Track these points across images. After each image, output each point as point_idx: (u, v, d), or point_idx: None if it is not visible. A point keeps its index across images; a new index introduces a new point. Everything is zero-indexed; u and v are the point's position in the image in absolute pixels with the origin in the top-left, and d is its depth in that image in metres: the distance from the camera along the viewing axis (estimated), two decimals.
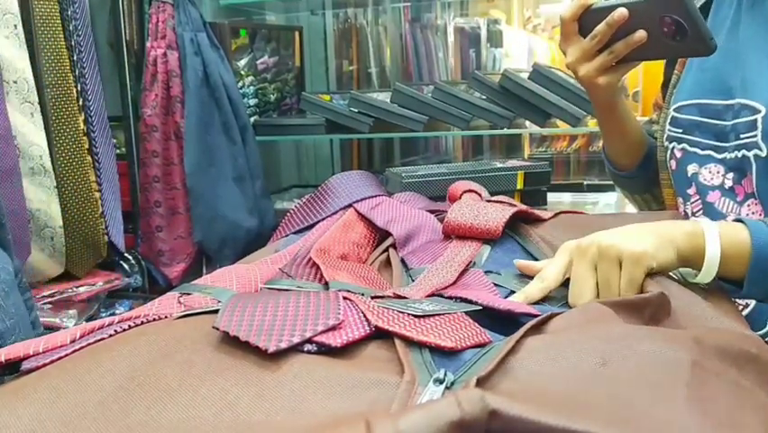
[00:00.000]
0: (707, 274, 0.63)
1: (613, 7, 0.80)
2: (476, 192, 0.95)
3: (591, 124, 1.68)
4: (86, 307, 1.56)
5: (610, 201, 1.82)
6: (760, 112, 0.81)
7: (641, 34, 0.80)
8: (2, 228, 1.02)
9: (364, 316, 0.47)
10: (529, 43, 3.07)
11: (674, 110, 0.94)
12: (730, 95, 0.86)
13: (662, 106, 1.04)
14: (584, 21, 0.85)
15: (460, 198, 0.95)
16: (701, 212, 0.91)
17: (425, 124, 1.71)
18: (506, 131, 1.69)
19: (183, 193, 1.74)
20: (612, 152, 1.05)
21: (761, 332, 0.84)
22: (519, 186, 1.34)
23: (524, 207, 0.85)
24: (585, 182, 1.99)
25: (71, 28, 1.58)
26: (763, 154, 0.81)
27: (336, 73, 2.40)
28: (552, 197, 1.71)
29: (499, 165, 1.37)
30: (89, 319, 1.56)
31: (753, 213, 0.85)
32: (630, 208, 1.22)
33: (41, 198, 1.48)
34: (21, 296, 0.92)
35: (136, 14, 1.72)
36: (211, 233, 1.74)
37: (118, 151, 1.77)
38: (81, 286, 1.56)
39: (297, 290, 0.57)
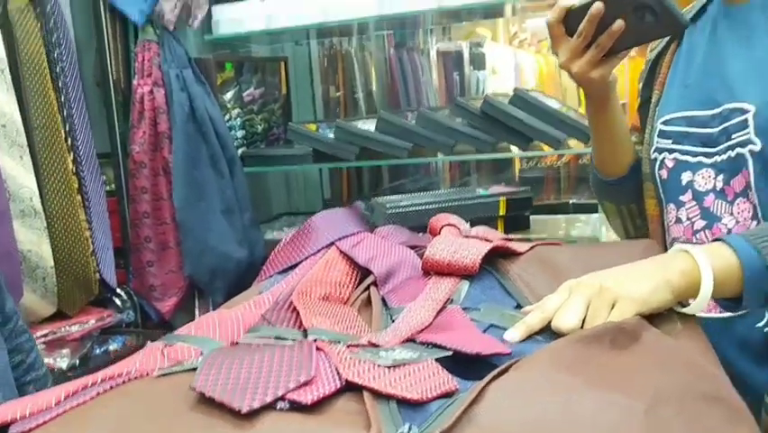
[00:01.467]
0: (697, 307, 0.67)
1: (590, 3, 0.87)
2: (455, 226, 0.97)
3: (573, 146, 1.71)
4: (79, 345, 1.57)
5: (586, 233, 1.84)
6: (749, 111, 0.87)
7: (619, 23, 0.86)
8: None
9: (336, 370, 0.49)
10: (516, 59, 3.11)
11: (661, 123, 1.00)
12: (716, 104, 0.92)
13: (638, 128, 1.09)
14: (568, 22, 0.91)
15: (440, 231, 0.97)
16: (698, 216, 0.96)
17: (411, 151, 1.74)
18: (489, 156, 1.72)
19: (173, 228, 1.75)
20: (602, 157, 1.10)
21: (760, 324, 0.88)
22: (502, 212, 1.37)
23: (500, 242, 0.87)
24: (571, 201, 2.02)
25: (58, 70, 1.60)
26: (758, 148, 0.86)
27: (323, 100, 2.44)
28: (536, 220, 1.74)
29: (482, 192, 1.40)
30: (83, 358, 1.57)
31: (741, 211, 0.90)
32: (611, 234, 1.24)
33: (32, 240, 1.50)
34: (4, 349, 0.90)
35: (122, 53, 1.74)
36: (201, 266, 1.76)
37: (108, 187, 1.79)
38: (74, 325, 1.57)
39: (274, 344, 0.59)
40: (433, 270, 0.84)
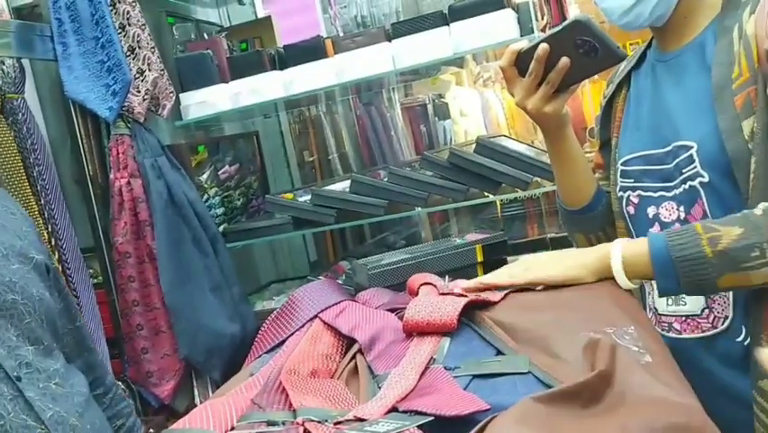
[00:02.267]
0: (619, 280, 0.90)
1: (537, 45, 0.95)
2: (432, 284, 1.01)
3: (543, 184, 1.76)
4: None
5: None
6: (693, 147, 0.95)
7: (564, 61, 0.94)
8: (91, 353, 1.12)
9: None
10: (483, 98, 3.20)
11: (621, 164, 1.08)
12: (667, 142, 1.00)
13: (602, 166, 1.16)
14: (520, 64, 1.00)
15: (417, 291, 1.01)
16: None
17: (387, 208, 1.79)
18: (462, 203, 1.77)
19: (164, 312, 1.77)
20: (565, 188, 1.16)
21: (739, 339, 0.95)
22: (480, 258, 1.41)
23: (473, 296, 0.91)
24: (549, 236, 2.07)
25: (35, 174, 1.65)
26: (706, 180, 0.94)
27: (298, 166, 2.49)
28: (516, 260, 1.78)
29: (458, 242, 1.44)
30: None
31: None
32: None
33: None
34: (100, 411, 1.01)
35: (96, 149, 1.79)
36: (196, 346, 1.77)
37: (95, 280, 1.81)
38: None
39: (265, 431, 0.61)
40: (413, 331, 0.88)
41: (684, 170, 0.96)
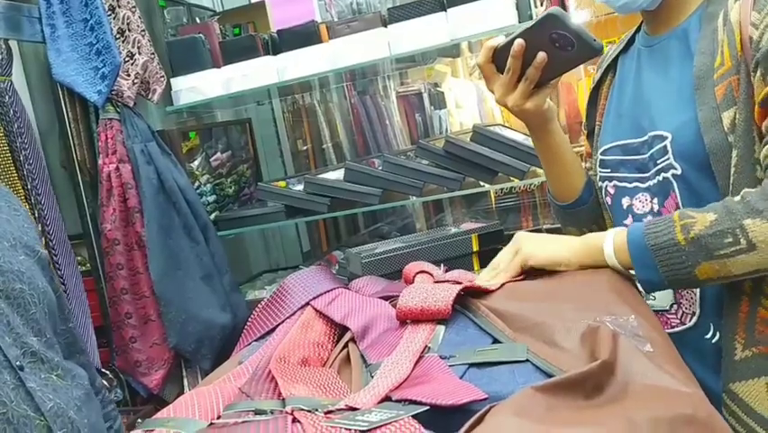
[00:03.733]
0: (609, 261, 0.87)
1: (513, 41, 0.92)
2: (428, 272, 0.98)
3: (539, 173, 1.74)
4: None
5: None
6: (667, 138, 0.91)
7: (542, 56, 0.91)
8: (83, 354, 1.11)
9: None
10: (478, 90, 3.17)
11: (600, 153, 1.05)
12: (643, 132, 0.97)
13: (590, 155, 1.14)
14: (497, 60, 0.96)
15: (413, 279, 0.98)
16: None
17: (381, 196, 1.76)
18: (458, 192, 1.74)
19: (153, 301, 1.74)
20: (554, 183, 1.14)
21: (707, 336, 0.92)
22: (475, 248, 1.38)
23: (468, 283, 0.88)
24: (544, 227, 2.04)
25: (22, 158, 1.61)
26: (679, 172, 0.91)
27: (292, 154, 2.46)
28: None
29: (454, 231, 1.42)
30: None
31: None
32: None
33: None
34: (98, 407, 1.00)
35: (85, 134, 1.75)
36: (186, 335, 1.74)
37: (83, 268, 1.78)
38: None
39: (251, 420, 0.59)
40: (407, 318, 0.85)
41: (659, 162, 0.94)
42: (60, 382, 0.91)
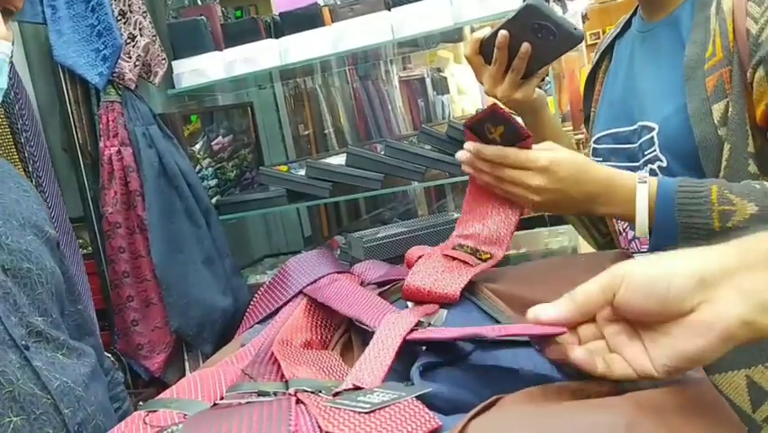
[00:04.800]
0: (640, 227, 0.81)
1: (497, 32, 0.91)
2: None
3: None
4: None
5: (564, 244, 1.86)
6: (654, 129, 0.90)
7: (526, 46, 0.90)
8: (92, 336, 1.11)
9: (317, 422, 0.49)
10: None
11: (594, 142, 1.04)
12: (633, 120, 0.95)
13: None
14: (484, 52, 0.96)
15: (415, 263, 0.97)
16: (628, 227, 0.99)
17: (383, 181, 1.75)
18: (461, 178, 1.74)
19: (154, 284, 1.74)
20: None
21: None
22: None
23: (478, 270, 0.87)
24: (547, 213, 2.03)
25: (23, 140, 1.60)
26: (665, 165, 0.89)
27: (293, 139, 2.45)
28: (515, 236, 1.75)
29: (456, 216, 1.41)
30: None
31: None
32: (584, 242, 1.26)
33: None
34: (105, 385, 0.99)
35: (86, 116, 1.74)
36: (187, 319, 1.74)
37: (84, 251, 1.78)
38: None
39: (255, 401, 0.59)
40: (413, 298, 0.85)
41: (646, 153, 0.92)
42: (67, 360, 0.91)
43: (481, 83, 0.98)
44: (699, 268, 0.47)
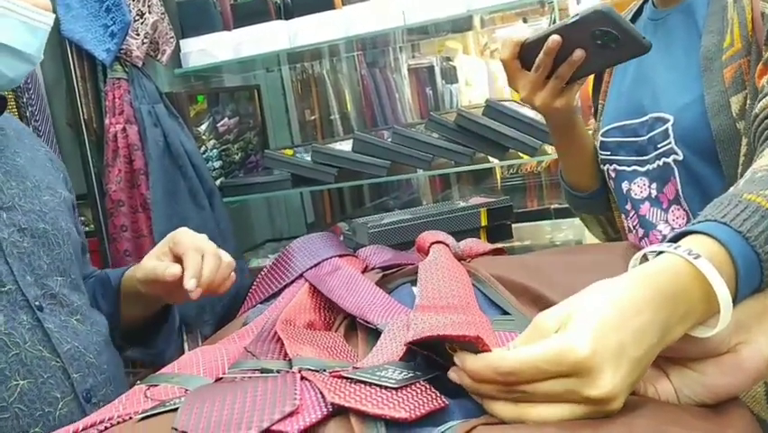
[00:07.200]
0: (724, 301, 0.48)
1: (546, 36, 0.85)
2: (443, 243, 0.95)
3: (551, 151, 1.72)
4: None
5: (569, 237, 1.85)
6: (669, 121, 0.87)
7: (579, 53, 0.84)
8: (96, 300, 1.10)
9: (322, 396, 0.48)
10: (488, 69, 3.13)
11: (602, 135, 1.00)
12: (643, 112, 0.92)
13: None
14: (524, 56, 0.90)
15: (428, 250, 0.96)
16: (638, 225, 0.96)
17: (389, 168, 1.74)
18: (467, 167, 1.73)
19: None
20: (572, 174, 1.09)
21: None
22: (483, 223, 1.37)
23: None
24: (553, 207, 2.02)
25: (28, 114, 1.59)
26: (680, 158, 0.86)
27: (299, 124, 2.44)
28: (520, 228, 1.75)
29: (462, 204, 1.40)
30: None
31: (676, 218, 0.90)
32: (590, 237, 1.25)
33: None
34: (117, 356, 0.97)
35: (92, 93, 1.73)
36: (187, 301, 1.73)
37: (87, 228, 1.77)
38: None
39: (257, 377, 0.58)
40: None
41: (659, 146, 0.89)
42: (80, 326, 0.89)
43: (515, 89, 0.93)
44: (736, 311, 0.48)
